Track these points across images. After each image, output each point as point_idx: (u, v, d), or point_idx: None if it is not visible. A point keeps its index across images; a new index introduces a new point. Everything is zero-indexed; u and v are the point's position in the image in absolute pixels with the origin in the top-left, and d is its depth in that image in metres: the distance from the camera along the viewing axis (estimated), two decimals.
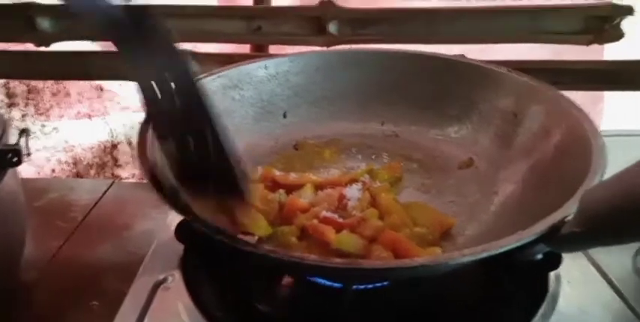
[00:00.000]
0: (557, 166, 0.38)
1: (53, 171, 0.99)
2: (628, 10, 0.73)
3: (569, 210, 0.29)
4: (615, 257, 0.40)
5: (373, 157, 0.53)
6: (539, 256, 0.33)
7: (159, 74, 0.30)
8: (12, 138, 0.46)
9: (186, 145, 0.31)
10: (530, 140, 0.44)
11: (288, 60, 0.56)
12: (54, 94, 0.95)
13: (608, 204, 0.27)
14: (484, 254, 0.28)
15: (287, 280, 0.42)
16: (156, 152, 0.38)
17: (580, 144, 0.37)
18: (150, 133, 0.39)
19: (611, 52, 0.87)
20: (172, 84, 0.30)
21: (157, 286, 0.41)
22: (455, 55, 0.56)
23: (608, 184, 0.28)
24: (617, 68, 0.78)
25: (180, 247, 0.44)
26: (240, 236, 0.31)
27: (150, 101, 0.30)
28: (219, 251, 0.43)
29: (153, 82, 0.30)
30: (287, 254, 0.27)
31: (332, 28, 0.74)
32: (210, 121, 0.31)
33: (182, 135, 0.31)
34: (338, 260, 0.28)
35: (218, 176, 0.31)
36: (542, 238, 0.29)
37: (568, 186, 0.32)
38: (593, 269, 0.41)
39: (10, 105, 0.92)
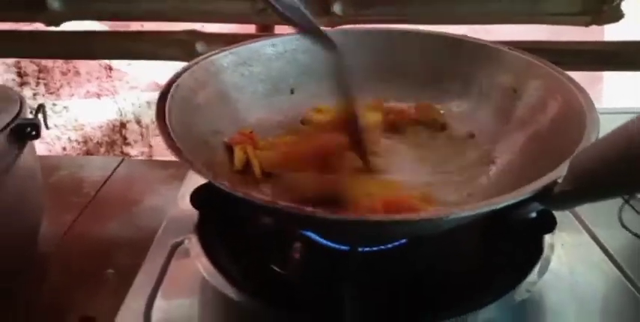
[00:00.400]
0: (553, 137, 0.41)
1: (64, 149, 1.00)
2: None
3: (561, 172, 0.31)
4: (604, 221, 0.42)
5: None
6: (534, 214, 0.36)
7: None
8: (27, 114, 0.48)
9: None
10: (528, 113, 0.46)
11: (295, 38, 0.57)
12: (64, 74, 0.96)
13: (593, 162, 0.29)
14: (484, 209, 0.30)
15: (299, 244, 0.44)
16: (173, 120, 0.40)
17: (575, 116, 0.39)
18: (167, 103, 0.41)
19: (611, 32, 0.88)
20: None
21: (175, 247, 0.43)
22: (456, 34, 0.58)
23: (594, 146, 0.31)
24: (616, 49, 0.79)
25: (194, 216, 0.47)
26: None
27: None
28: (235, 215, 0.45)
29: None
30: (301, 209, 0.29)
31: (336, 8, 0.75)
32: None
33: None
34: (347, 214, 0.30)
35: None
36: (536, 197, 0.31)
37: (563, 154, 0.34)
38: (584, 232, 0.44)
39: (22, 85, 0.93)
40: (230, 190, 0.32)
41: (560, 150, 0.34)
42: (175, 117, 0.42)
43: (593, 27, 0.77)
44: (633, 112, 0.65)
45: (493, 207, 0.30)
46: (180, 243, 0.44)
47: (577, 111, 0.39)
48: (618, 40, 0.80)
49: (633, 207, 0.45)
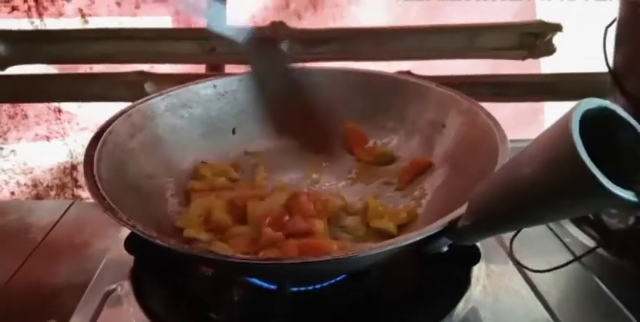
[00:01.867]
0: (470, 168, 0.42)
1: (12, 193, 0.98)
2: (557, 27, 0.79)
3: (464, 209, 0.33)
4: (534, 254, 0.44)
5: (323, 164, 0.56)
6: (445, 248, 0.37)
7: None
8: None
9: None
10: (452, 146, 0.48)
11: (237, 79, 0.58)
12: (11, 117, 0.95)
13: (485, 197, 0.30)
14: (390, 247, 0.31)
15: (234, 286, 0.44)
16: (101, 168, 0.40)
17: (490, 149, 0.41)
18: (97, 150, 0.42)
19: (548, 65, 0.93)
20: None
21: (107, 295, 0.43)
22: (394, 72, 0.60)
23: (488, 181, 0.32)
24: (554, 80, 0.83)
25: (130, 260, 0.46)
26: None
27: None
28: (167, 261, 0.45)
29: None
30: (216, 253, 0.30)
31: (284, 47, 0.77)
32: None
33: None
34: (260, 256, 0.30)
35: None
36: (444, 232, 0.33)
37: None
38: (510, 263, 0.45)
39: None
40: (150, 238, 0.32)
41: (475, 182, 0.35)
42: (105, 163, 0.42)
43: (530, 60, 0.81)
44: None
45: (400, 245, 0.31)
46: (113, 291, 0.43)
47: (492, 145, 0.41)
48: (556, 73, 0.84)
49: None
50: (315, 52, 0.79)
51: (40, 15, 0.94)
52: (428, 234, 0.32)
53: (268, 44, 0.46)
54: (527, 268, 0.36)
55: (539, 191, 0.26)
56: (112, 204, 0.35)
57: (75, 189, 0.99)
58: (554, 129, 0.26)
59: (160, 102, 0.53)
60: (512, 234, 0.35)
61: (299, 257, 0.34)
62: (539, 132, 0.37)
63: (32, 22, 0.94)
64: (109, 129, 0.46)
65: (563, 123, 0.25)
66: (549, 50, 0.81)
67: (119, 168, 0.44)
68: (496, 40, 0.81)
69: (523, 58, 0.82)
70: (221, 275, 0.43)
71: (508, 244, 0.46)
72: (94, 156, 0.41)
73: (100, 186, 0.37)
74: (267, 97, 0.48)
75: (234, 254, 0.30)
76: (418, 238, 0.31)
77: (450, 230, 0.32)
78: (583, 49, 0.92)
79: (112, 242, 0.52)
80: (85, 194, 1.00)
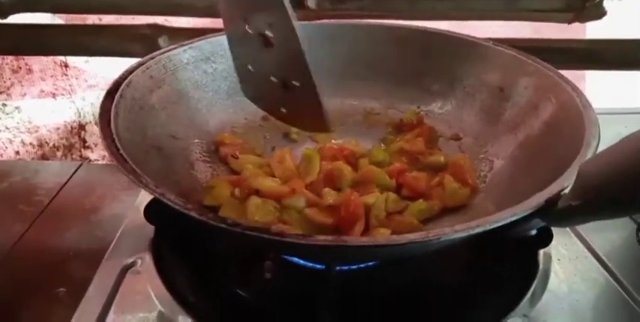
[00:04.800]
0: (548, 141, 0.37)
1: (17, 153, 0.95)
2: None
3: (564, 183, 0.28)
4: (602, 233, 0.39)
5: (349, 133, 0.51)
6: (534, 232, 0.32)
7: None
8: None
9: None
10: (519, 115, 0.43)
11: None
12: (14, 71, 0.91)
13: (606, 175, 0.25)
14: (478, 230, 0.26)
15: (267, 262, 0.40)
16: (119, 125, 0.35)
17: (572, 117, 0.36)
18: (114, 105, 0.36)
19: (593, 30, 0.87)
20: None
21: (125, 270, 0.39)
22: (438, 29, 0.54)
23: (605, 156, 0.27)
24: (598, 47, 0.78)
25: (150, 229, 0.42)
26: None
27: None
28: (192, 231, 0.40)
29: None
30: (266, 231, 0.25)
31: (311, 2, 0.72)
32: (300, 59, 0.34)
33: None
34: (321, 237, 0.25)
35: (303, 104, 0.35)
36: (538, 212, 0.28)
37: (561, 160, 0.31)
38: (581, 245, 0.40)
39: None
40: (183, 209, 0.27)
41: (558, 156, 0.30)
42: (123, 121, 0.37)
43: (575, 25, 0.75)
44: (621, 113, 0.62)
45: (489, 227, 0.26)
46: (132, 265, 0.39)
47: (573, 113, 0.36)
48: (603, 39, 0.78)
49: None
50: (344, 8, 0.73)
51: None
52: (522, 214, 0.27)
53: None
54: None
55: None
56: (134, 166, 0.30)
57: (83, 150, 0.96)
58: None
59: (181, 55, 0.48)
60: None
61: (369, 240, 0.28)
62: None
63: None
64: (126, 82, 0.40)
65: None
66: (599, 14, 0.75)
67: (138, 126, 0.39)
68: (541, 1, 0.75)
69: (569, 22, 0.76)
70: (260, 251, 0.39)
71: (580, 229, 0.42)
72: (111, 111, 0.36)
73: (119, 146, 0.32)
74: None
75: (286, 231, 0.25)
76: (509, 219, 0.26)
77: (547, 210, 0.27)
78: (632, 14, 0.86)
79: (128, 209, 0.49)
80: (93, 155, 0.96)
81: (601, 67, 0.80)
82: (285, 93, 0.36)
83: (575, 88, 0.39)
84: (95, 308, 0.36)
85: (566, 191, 0.27)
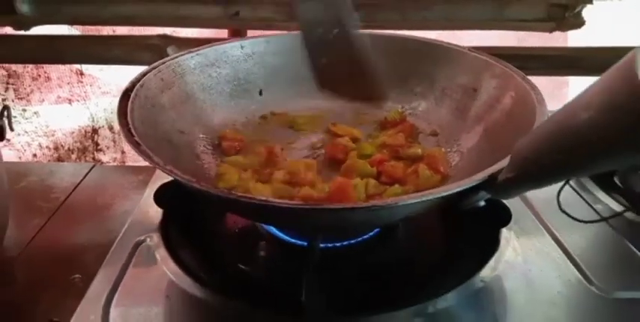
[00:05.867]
0: (506, 131, 0.42)
1: (34, 155, 0.99)
2: None
3: (506, 162, 0.33)
4: (560, 214, 0.44)
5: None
6: (482, 203, 0.37)
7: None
8: None
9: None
10: (486, 110, 0.48)
11: (264, 40, 0.58)
12: (34, 79, 0.95)
13: (532, 147, 0.30)
14: (430, 196, 0.31)
15: (261, 242, 0.45)
16: (135, 118, 0.40)
17: (527, 111, 0.41)
18: (130, 101, 0.42)
19: (574, 39, 0.91)
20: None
21: (137, 245, 0.43)
22: (420, 37, 0.59)
23: (533, 133, 0.32)
24: (580, 54, 0.82)
25: (158, 215, 0.47)
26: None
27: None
28: (198, 214, 0.45)
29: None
30: (252, 198, 0.30)
31: None
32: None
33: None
34: (296, 201, 0.30)
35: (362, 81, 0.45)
36: (483, 185, 0.33)
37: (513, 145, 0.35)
38: (539, 224, 0.45)
39: None
40: (185, 181, 0.32)
41: (512, 142, 0.35)
42: (138, 115, 0.42)
43: (557, 34, 0.80)
44: None
45: (437, 196, 0.31)
46: (143, 241, 0.44)
47: (528, 106, 0.41)
48: (582, 47, 0.82)
49: (577, 192, 0.47)
50: None
51: None
52: (468, 185, 0.32)
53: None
54: (573, 218, 0.36)
55: (597, 137, 0.25)
56: (147, 150, 0.35)
57: (95, 153, 1.00)
58: (617, 71, 0.25)
59: (189, 60, 0.53)
60: (545, 194, 0.34)
61: (336, 204, 0.33)
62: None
63: None
64: (140, 83, 0.46)
65: (627, 64, 0.24)
66: (578, 23, 0.79)
67: (151, 121, 0.44)
68: (524, 12, 0.79)
69: (551, 31, 0.80)
70: (251, 229, 0.44)
71: (537, 207, 0.47)
72: (128, 106, 0.41)
73: (134, 133, 0.37)
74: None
75: (271, 198, 0.30)
76: (457, 189, 0.31)
77: (490, 183, 0.32)
78: (612, 23, 0.90)
79: (137, 201, 0.52)
80: (105, 158, 1.01)
81: (581, 73, 0.85)
82: (351, 77, 0.45)
83: (533, 87, 0.44)
84: (111, 276, 0.40)
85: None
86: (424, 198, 0.30)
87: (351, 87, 0.46)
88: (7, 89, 0.93)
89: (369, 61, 0.45)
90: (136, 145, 0.36)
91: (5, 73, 0.92)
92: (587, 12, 0.77)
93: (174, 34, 0.77)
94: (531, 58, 0.81)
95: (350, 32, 0.45)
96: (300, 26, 0.46)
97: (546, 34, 0.79)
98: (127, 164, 1.02)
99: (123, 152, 1.00)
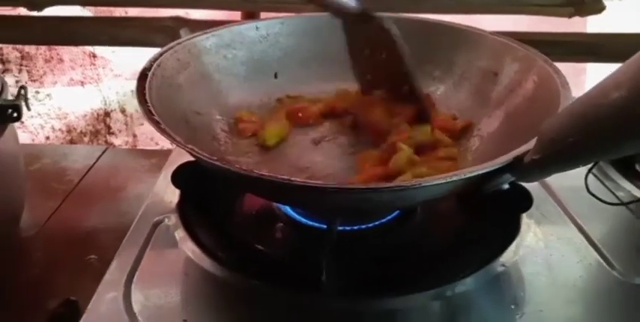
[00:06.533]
0: (529, 114, 0.41)
1: (47, 138, 0.99)
2: None
3: (531, 145, 0.32)
4: (582, 200, 0.43)
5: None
6: (506, 186, 0.36)
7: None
8: (9, 97, 0.47)
9: None
10: (507, 94, 0.46)
11: (279, 22, 0.57)
12: (47, 61, 0.95)
13: (558, 128, 0.29)
14: (455, 178, 0.30)
15: (278, 224, 0.44)
16: (153, 97, 0.40)
17: (550, 94, 0.40)
18: (147, 81, 0.41)
19: (594, 24, 0.89)
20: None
21: (156, 224, 0.43)
22: (437, 19, 0.58)
23: (558, 115, 0.31)
24: (598, 41, 0.80)
25: (175, 197, 0.47)
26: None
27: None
28: (213, 194, 0.45)
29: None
30: (275, 176, 0.30)
31: None
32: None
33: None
34: (312, 182, 0.30)
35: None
36: (507, 167, 0.32)
37: (537, 129, 0.35)
38: (560, 210, 0.45)
39: (4, 72, 0.92)
40: (207, 159, 0.32)
41: (535, 126, 0.34)
42: (156, 94, 0.41)
43: (575, 19, 0.78)
44: None
45: (463, 177, 0.30)
46: (161, 221, 0.44)
47: (552, 91, 0.40)
48: (601, 32, 0.81)
49: (599, 179, 0.47)
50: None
51: None
52: (494, 167, 0.31)
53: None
54: (600, 199, 0.35)
55: (628, 117, 0.25)
56: (166, 128, 0.35)
57: (108, 136, 1.01)
58: None
59: (204, 41, 0.52)
60: (566, 179, 0.34)
61: (360, 184, 0.33)
62: (581, 94, 0.37)
63: None
64: (157, 62, 0.45)
65: None
66: (598, 8, 0.78)
67: (168, 101, 0.44)
68: None
69: (570, 16, 0.79)
70: (269, 211, 0.43)
71: (559, 194, 0.46)
72: (146, 85, 0.41)
73: (153, 111, 0.37)
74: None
75: (294, 178, 0.30)
76: (482, 171, 0.31)
77: (515, 165, 0.32)
78: (632, 9, 0.89)
79: (150, 184, 0.52)
80: (117, 141, 1.01)
81: (600, 59, 0.83)
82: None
83: (556, 71, 0.43)
84: (130, 255, 0.41)
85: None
86: (449, 180, 0.30)
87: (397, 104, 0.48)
88: (20, 71, 0.93)
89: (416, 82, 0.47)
90: (156, 124, 0.35)
91: (19, 54, 0.93)
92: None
93: (187, 16, 0.77)
94: (548, 44, 0.79)
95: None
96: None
97: (561, 20, 0.78)
98: (138, 147, 1.03)
99: (134, 136, 1.00)
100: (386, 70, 0.48)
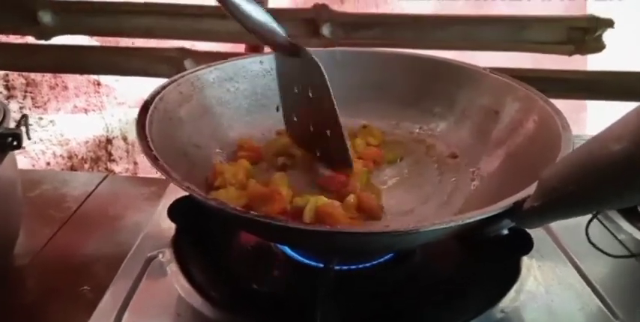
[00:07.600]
0: (529, 156, 0.41)
1: (48, 164, 0.99)
2: (608, 23, 0.76)
3: (531, 190, 0.32)
4: (583, 245, 0.42)
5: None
6: (505, 231, 0.36)
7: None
8: (11, 125, 0.47)
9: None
10: (507, 133, 0.47)
11: None
12: (52, 88, 0.96)
13: (560, 177, 0.29)
14: (452, 224, 0.30)
15: (275, 262, 0.44)
16: (153, 131, 0.40)
17: (551, 136, 0.40)
18: (149, 114, 0.41)
19: (594, 62, 0.90)
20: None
21: (149, 260, 0.43)
22: (440, 57, 0.59)
23: (560, 162, 0.31)
24: (599, 78, 0.81)
25: (171, 230, 0.46)
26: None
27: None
28: (210, 230, 0.45)
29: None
30: (271, 217, 0.29)
31: (325, 30, 0.77)
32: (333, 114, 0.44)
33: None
34: (310, 225, 0.29)
35: (333, 149, 0.46)
36: (507, 213, 0.32)
37: (537, 172, 0.35)
38: (562, 254, 0.44)
39: (9, 98, 0.93)
40: (201, 198, 0.31)
41: (536, 168, 0.34)
42: (156, 128, 0.42)
43: (576, 57, 0.79)
44: None
45: (460, 223, 0.30)
46: (155, 257, 0.43)
47: (553, 132, 0.40)
48: (601, 70, 0.82)
49: (601, 222, 0.46)
50: (356, 37, 0.78)
51: None
52: (492, 212, 0.31)
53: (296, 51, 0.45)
54: (602, 251, 0.35)
55: (629, 170, 0.25)
56: (164, 164, 0.35)
57: (108, 163, 1.01)
58: None
59: (208, 74, 0.53)
60: (573, 224, 0.33)
61: (355, 227, 0.33)
62: (581, 131, 0.36)
63: None
64: (159, 95, 0.46)
65: None
66: (598, 47, 0.78)
67: (168, 134, 0.44)
68: (543, 34, 0.79)
69: (570, 54, 0.79)
70: (265, 248, 0.43)
71: (559, 236, 0.46)
72: (146, 119, 0.41)
73: (152, 147, 0.37)
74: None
75: (290, 221, 0.29)
76: (481, 216, 0.30)
77: (515, 211, 0.31)
78: (632, 47, 0.90)
79: (149, 217, 0.51)
80: (118, 168, 1.01)
81: (600, 96, 0.84)
82: (319, 139, 0.46)
83: (557, 111, 0.43)
84: (122, 290, 0.40)
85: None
86: (446, 225, 0.30)
87: (320, 148, 0.47)
88: (24, 97, 0.94)
89: (339, 127, 0.44)
90: (154, 160, 0.35)
91: (24, 81, 0.94)
92: (607, 36, 0.77)
93: (192, 48, 0.78)
94: (549, 81, 0.80)
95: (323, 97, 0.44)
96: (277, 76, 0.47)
97: (563, 57, 0.79)
98: (139, 175, 1.03)
99: (135, 163, 1.00)
100: (313, 111, 0.47)
